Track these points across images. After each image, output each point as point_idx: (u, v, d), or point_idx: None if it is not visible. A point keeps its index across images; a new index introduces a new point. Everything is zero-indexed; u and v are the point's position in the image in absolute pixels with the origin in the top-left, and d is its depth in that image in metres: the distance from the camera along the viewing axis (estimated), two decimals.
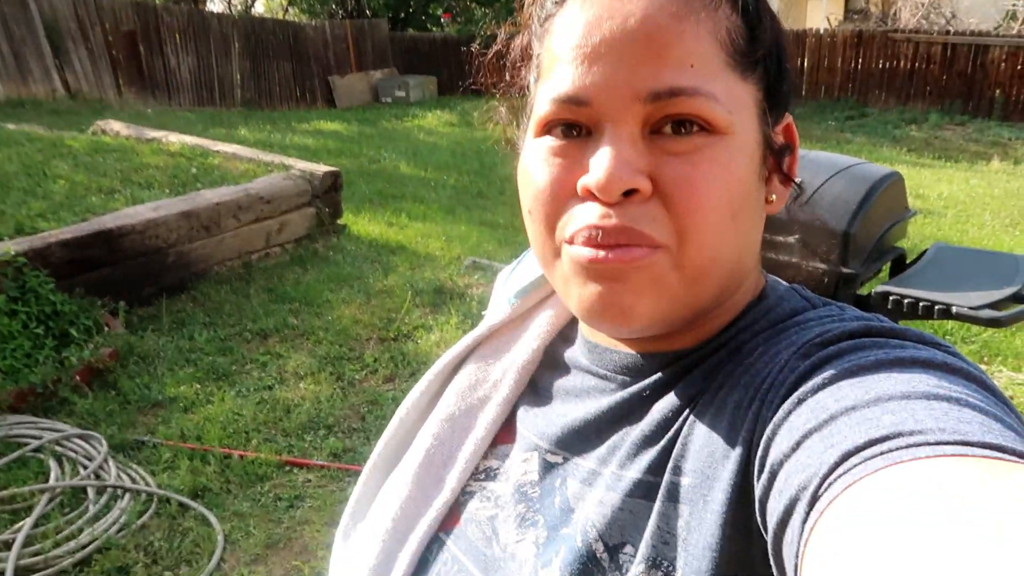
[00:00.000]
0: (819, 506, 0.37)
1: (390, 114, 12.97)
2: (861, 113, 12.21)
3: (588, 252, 0.50)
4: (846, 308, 0.54)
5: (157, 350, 3.81)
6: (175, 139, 6.14)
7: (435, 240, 5.76)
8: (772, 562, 0.42)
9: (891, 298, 2.21)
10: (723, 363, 0.54)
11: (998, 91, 11.33)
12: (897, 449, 0.36)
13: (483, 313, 0.80)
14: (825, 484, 0.38)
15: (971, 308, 2.04)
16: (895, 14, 14.50)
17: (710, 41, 0.49)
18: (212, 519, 2.65)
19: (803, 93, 12.99)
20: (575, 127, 0.52)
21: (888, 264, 2.49)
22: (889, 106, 12.27)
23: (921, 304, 2.14)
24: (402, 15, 17.38)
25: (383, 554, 0.64)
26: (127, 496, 2.74)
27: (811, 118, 12.05)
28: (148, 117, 9.20)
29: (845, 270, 2.19)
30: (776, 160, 0.56)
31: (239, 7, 17.92)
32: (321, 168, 5.52)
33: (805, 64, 13.00)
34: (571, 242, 0.52)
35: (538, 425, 0.63)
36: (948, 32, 12.20)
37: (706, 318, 0.56)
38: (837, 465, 0.38)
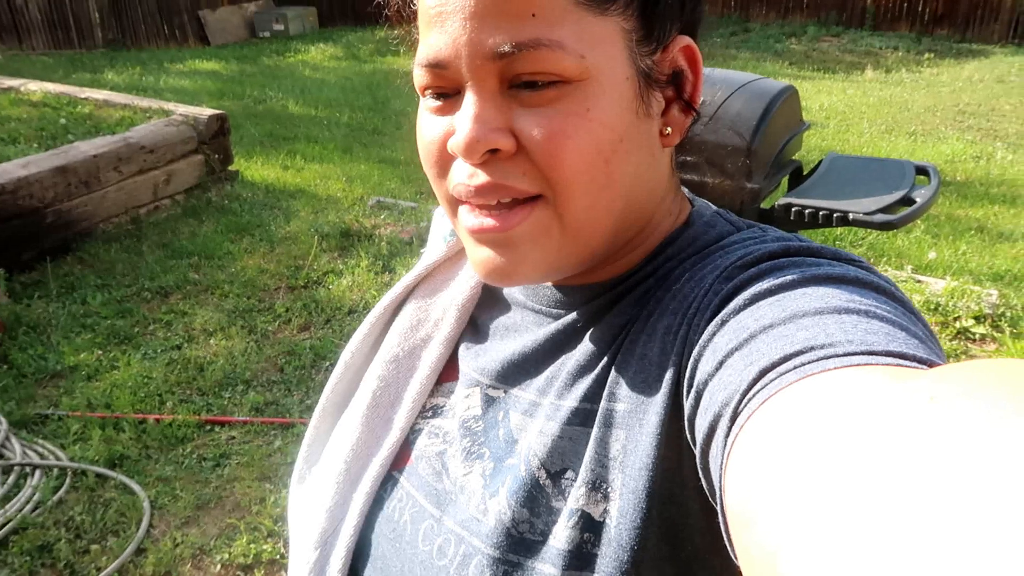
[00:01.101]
0: (740, 421, 0.39)
1: (270, 50, 12.27)
2: (744, 28, 12.47)
3: (471, 222, 0.53)
4: (768, 230, 0.57)
5: (48, 318, 3.58)
6: (35, 87, 5.62)
7: (335, 181, 5.59)
8: (701, 475, 0.45)
9: (793, 209, 2.31)
10: (652, 290, 0.56)
11: (868, 1, 11.79)
12: (809, 363, 0.39)
13: (421, 251, 0.80)
14: (744, 400, 0.40)
15: (866, 214, 2.17)
16: None
17: None
18: (135, 487, 2.57)
19: None
20: (445, 90, 0.52)
21: (787, 177, 2.60)
22: (770, 20, 12.57)
23: (821, 213, 2.26)
24: None
25: (338, 495, 0.66)
26: (37, 473, 2.61)
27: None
28: None
29: (749, 185, 2.27)
30: (674, 89, 0.55)
31: None
32: (206, 111, 5.21)
33: None
34: (459, 200, 0.54)
35: (479, 361, 0.65)
36: None
37: (626, 250, 0.58)
38: (755, 381, 0.40)
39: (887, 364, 0.37)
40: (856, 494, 0.28)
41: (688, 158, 2.49)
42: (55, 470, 2.63)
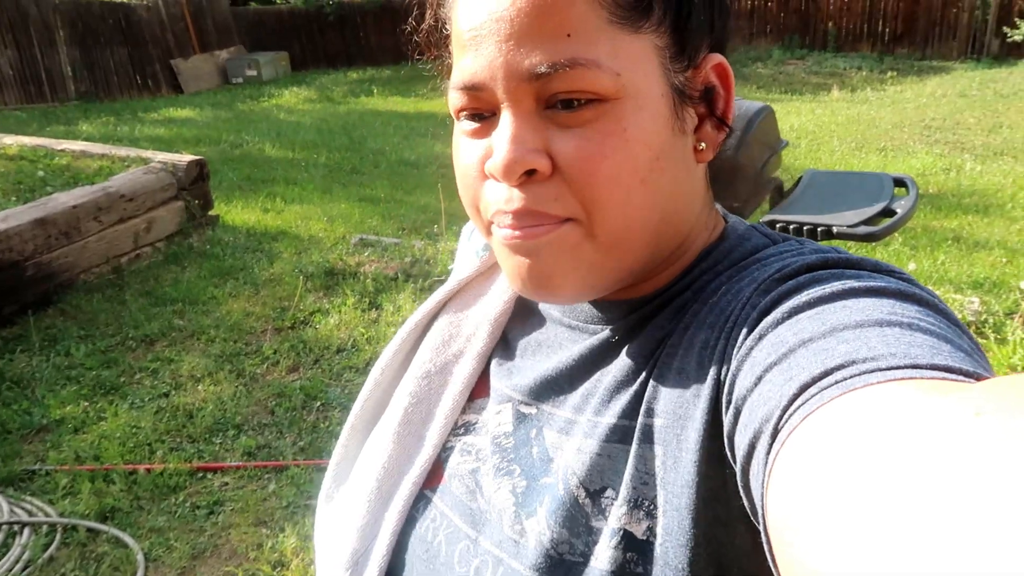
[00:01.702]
0: (781, 437, 0.38)
1: (244, 95, 12.34)
2: None
3: (505, 232, 0.53)
4: (805, 243, 0.56)
5: (31, 371, 3.52)
6: (10, 141, 5.59)
7: (316, 221, 5.59)
8: (743, 494, 0.44)
9: (777, 225, 2.36)
10: (689, 304, 0.55)
11: (830, 23, 12.12)
12: (851, 377, 0.38)
13: (450, 268, 0.80)
14: (785, 416, 0.39)
15: (849, 227, 2.21)
16: None
17: (586, 2, 0.48)
18: (128, 539, 2.51)
19: None
20: (481, 111, 0.53)
21: (769, 194, 2.65)
22: (736, 45, 12.86)
23: (805, 228, 2.30)
24: None
25: (370, 514, 0.65)
26: (26, 531, 2.54)
27: None
28: None
29: (733, 204, 2.31)
30: (706, 105, 0.55)
31: None
32: (185, 158, 5.20)
33: None
34: (494, 221, 0.54)
35: (512, 377, 0.64)
36: None
37: (664, 264, 0.58)
38: (796, 396, 0.39)
39: (932, 378, 0.36)
40: (898, 514, 0.28)
41: None
42: (44, 527, 2.57)
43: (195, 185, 5.17)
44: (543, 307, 0.67)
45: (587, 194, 0.50)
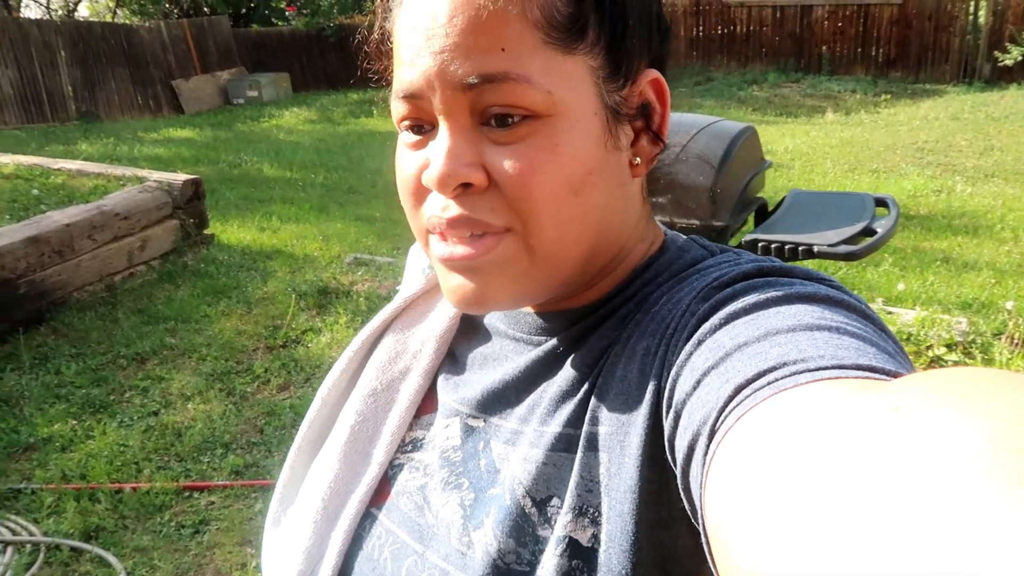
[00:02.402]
0: (717, 438, 0.40)
1: (244, 115, 12.42)
2: (707, 78, 12.86)
3: (442, 250, 0.54)
4: (742, 253, 0.58)
5: (20, 390, 3.52)
6: (7, 160, 5.63)
7: (312, 241, 5.61)
8: (683, 497, 0.45)
9: (760, 245, 2.38)
10: (632, 313, 0.57)
11: (824, 48, 12.24)
12: (782, 378, 0.39)
13: (397, 288, 0.81)
14: (721, 417, 0.41)
15: (830, 246, 2.23)
16: None
17: (520, 23, 0.49)
18: (111, 559, 2.49)
19: None
20: (421, 122, 0.54)
21: (753, 214, 2.67)
22: (731, 69, 12.98)
23: (787, 247, 2.33)
24: (243, 11, 16.61)
25: (316, 535, 0.65)
26: (9, 550, 2.53)
27: None
28: None
29: (716, 223, 2.34)
30: (644, 121, 0.56)
31: (60, 12, 16.55)
32: (180, 177, 5.23)
33: None
34: (431, 231, 0.56)
35: (459, 391, 0.65)
36: None
37: (600, 275, 0.59)
38: (731, 398, 0.41)
39: (857, 377, 0.38)
40: (821, 511, 0.29)
41: (654, 198, 2.55)
42: (28, 546, 2.56)
43: (190, 204, 5.19)
44: (488, 321, 0.67)
45: (522, 207, 0.51)
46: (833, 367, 0.39)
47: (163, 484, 2.85)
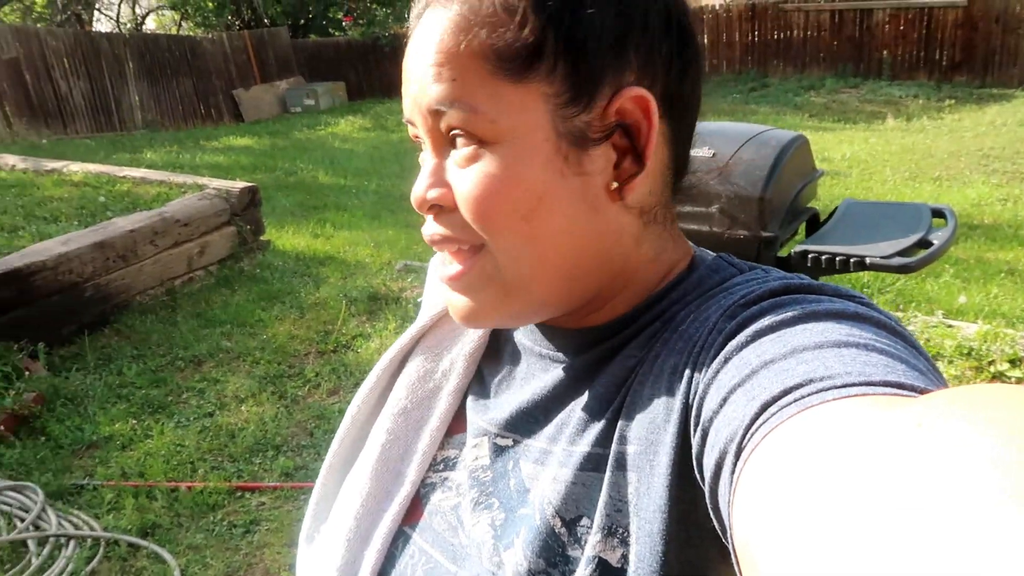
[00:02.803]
0: (744, 456, 0.40)
1: (301, 124, 12.71)
2: (763, 84, 12.65)
3: (443, 271, 0.60)
4: (770, 271, 0.58)
5: (85, 389, 3.66)
6: (77, 168, 5.88)
7: (363, 247, 5.70)
8: (712, 515, 0.45)
9: (810, 256, 2.33)
10: (659, 332, 0.57)
11: (885, 52, 11.92)
12: (809, 395, 0.39)
13: (419, 301, 0.81)
14: (748, 434, 0.41)
15: (883, 257, 2.17)
16: None
17: (471, 57, 0.52)
18: (166, 555, 2.58)
19: (706, 69, 13.35)
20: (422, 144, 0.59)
21: (803, 224, 2.62)
22: (788, 75, 12.74)
23: (838, 259, 2.27)
24: (302, 21, 17.02)
25: (349, 553, 0.65)
26: (71, 544, 2.64)
27: (716, 92, 12.41)
28: (44, 148, 8.78)
29: (765, 234, 2.30)
30: (627, 139, 0.55)
31: (128, 25, 17.21)
32: (238, 185, 5.39)
33: (705, 41, 13.38)
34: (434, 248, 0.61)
35: (487, 411, 0.65)
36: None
37: (605, 297, 0.60)
38: (758, 415, 0.41)
39: (884, 394, 0.38)
40: (845, 525, 0.29)
41: (703, 209, 2.53)
42: (89, 540, 2.66)
43: (247, 211, 5.34)
44: (516, 339, 0.68)
45: (476, 227, 0.55)
46: (860, 384, 0.39)
47: (216, 484, 2.93)
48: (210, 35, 14.29)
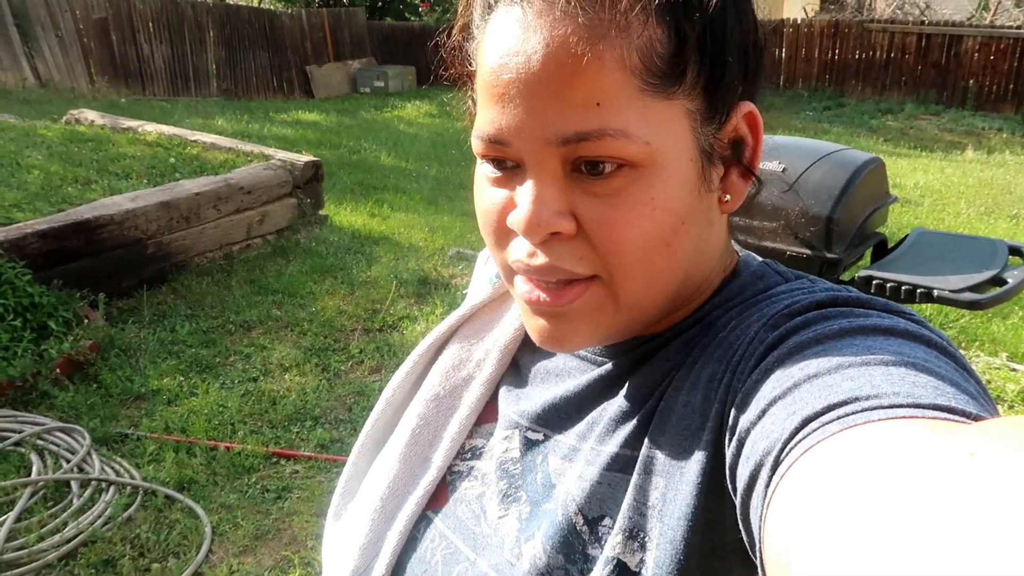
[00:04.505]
0: (781, 470, 0.38)
1: (369, 104, 12.87)
2: (838, 103, 12.33)
3: (528, 292, 0.53)
4: (817, 281, 0.56)
5: (138, 342, 3.77)
6: (151, 128, 6.05)
7: (418, 231, 5.75)
8: (741, 527, 0.44)
9: (874, 282, 2.25)
10: (698, 337, 0.55)
11: (971, 81, 11.48)
12: (853, 413, 0.38)
13: (465, 292, 0.82)
14: (787, 449, 0.39)
15: (952, 291, 2.08)
16: (870, 4, 14.64)
17: (618, 71, 0.46)
18: (199, 511, 2.64)
19: (780, 84, 13.08)
20: (505, 159, 0.52)
21: (870, 249, 2.53)
22: (865, 96, 12.38)
23: (903, 288, 2.19)
24: (379, 3, 17.22)
25: (372, 533, 0.66)
26: (112, 489, 2.72)
27: (789, 108, 12.14)
28: (122, 107, 9.07)
29: (828, 255, 2.23)
30: (734, 156, 0.54)
31: None
32: (302, 158, 5.48)
33: (782, 55, 13.09)
34: (516, 271, 0.54)
35: (520, 404, 0.65)
36: (923, 22, 12.33)
37: (678, 305, 0.58)
38: (798, 431, 0.39)
39: (934, 418, 0.36)
40: (891, 550, 0.28)
41: (765, 224, 2.47)
42: (128, 488, 2.74)
43: (309, 185, 5.42)
44: None
45: (611, 259, 0.50)
46: (909, 405, 0.37)
47: (254, 447, 2.99)
48: (289, 10, 14.54)
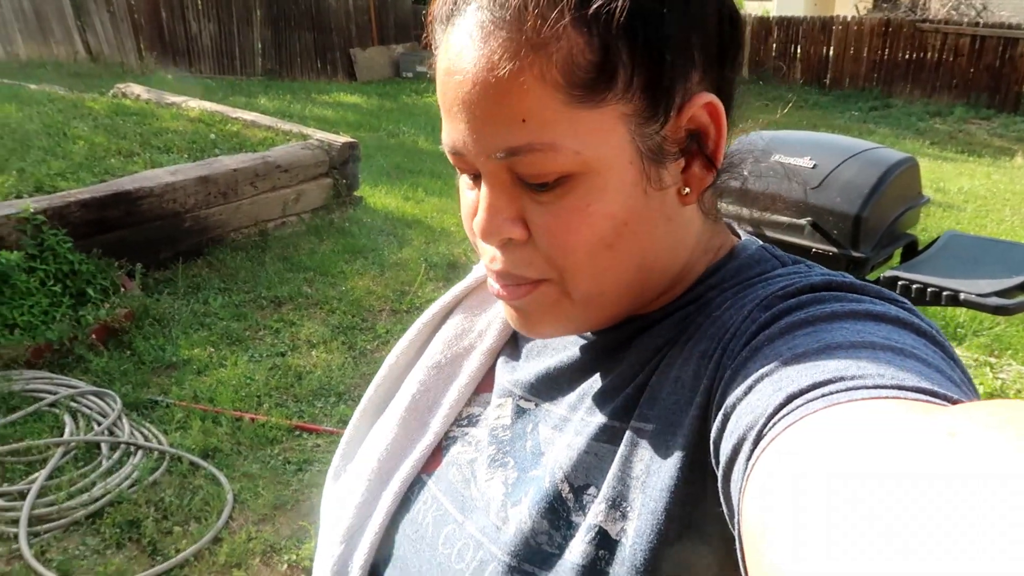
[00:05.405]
0: (763, 444, 0.39)
1: (410, 89, 12.92)
2: (885, 104, 12.05)
3: (492, 287, 0.58)
4: (814, 266, 0.57)
5: (172, 313, 3.86)
6: (195, 105, 6.17)
7: (451, 215, 5.78)
8: (722, 500, 0.44)
9: (899, 283, 2.22)
10: (692, 316, 0.56)
11: None
12: (837, 392, 0.39)
13: (473, 265, 0.83)
14: (770, 424, 0.40)
15: (979, 295, 2.04)
16: (924, 3, 14.25)
17: (539, 87, 0.47)
18: (222, 479, 2.71)
19: (827, 83, 12.83)
20: (470, 172, 0.55)
21: (900, 250, 2.49)
22: (914, 98, 12.09)
23: (929, 290, 2.15)
24: None
25: (368, 492, 0.68)
26: (139, 453, 2.80)
27: (834, 107, 11.91)
28: (168, 82, 9.23)
29: (855, 254, 2.20)
30: (696, 147, 0.53)
31: None
32: (339, 139, 5.53)
33: (830, 53, 12.83)
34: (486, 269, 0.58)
35: (515, 373, 0.67)
36: (978, 24, 11.98)
37: (663, 293, 0.59)
38: (782, 406, 0.40)
39: (915, 399, 0.37)
40: (868, 526, 0.29)
41: (792, 220, 2.44)
42: (155, 453, 2.82)
43: (345, 165, 5.48)
44: None
45: (557, 262, 0.53)
46: (892, 387, 0.38)
47: (278, 420, 3.05)
48: None
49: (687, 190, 0.54)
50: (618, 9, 0.46)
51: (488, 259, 0.56)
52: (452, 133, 0.52)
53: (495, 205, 0.52)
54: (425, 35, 0.55)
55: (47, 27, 9.91)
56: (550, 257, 0.53)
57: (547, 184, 0.50)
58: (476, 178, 0.55)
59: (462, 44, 0.49)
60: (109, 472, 2.70)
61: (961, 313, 3.92)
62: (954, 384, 0.41)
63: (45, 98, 5.84)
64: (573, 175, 0.50)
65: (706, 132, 0.53)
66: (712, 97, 0.52)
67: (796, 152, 2.01)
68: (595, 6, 0.46)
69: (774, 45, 13.25)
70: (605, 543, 0.51)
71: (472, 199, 0.56)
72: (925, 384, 0.39)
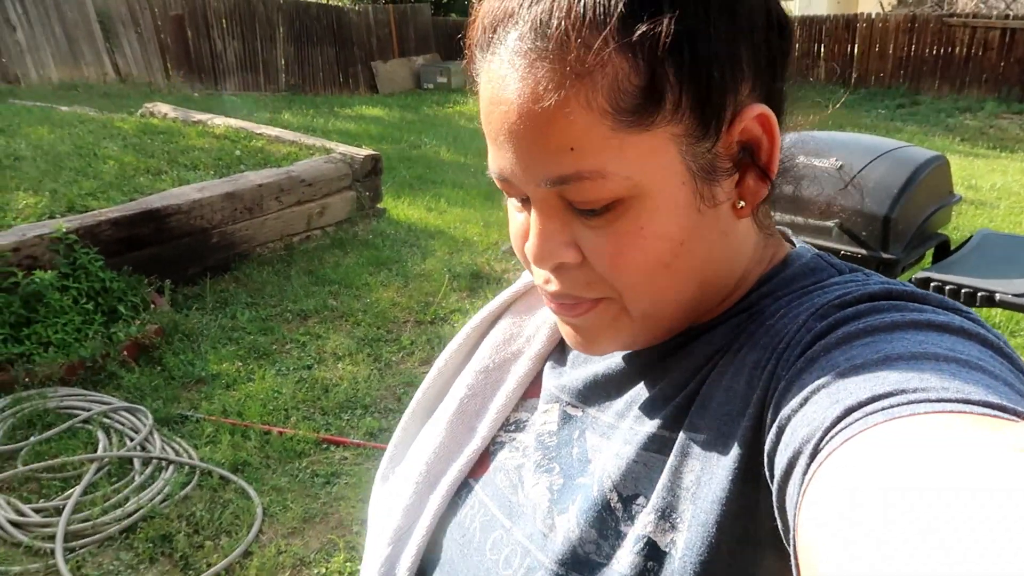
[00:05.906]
0: (819, 458, 0.38)
1: (432, 100, 13.01)
2: (913, 101, 11.88)
3: (549, 304, 0.58)
4: (872, 275, 0.55)
5: (201, 328, 3.91)
6: (220, 122, 6.25)
7: (473, 225, 5.79)
8: (777, 515, 0.43)
9: (932, 284, 2.17)
10: (744, 324, 0.55)
11: None
12: (898, 405, 0.37)
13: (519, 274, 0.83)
14: (827, 437, 0.39)
15: (1015, 295, 1.99)
16: None
17: (585, 114, 0.46)
18: (252, 492, 2.72)
19: (852, 81, 12.68)
20: (518, 195, 0.55)
21: (931, 251, 2.44)
22: (943, 94, 11.90)
23: (963, 291, 2.10)
24: (444, 0, 17.37)
25: (415, 496, 0.68)
26: (171, 468, 2.83)
27: (860, 106, 11.76)
28: (195, 100, 9.39)
29: (885, 255, 2.16)
30: (749, 160, 0.52)
31: None
32: (362, 152, 5.58)
33: (855, 50, 12.68)
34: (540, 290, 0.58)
35: (562, 379, 0.67)
36: (1007, 16, 11.76)
37: (715, 302, 0.58)
38: (840, 419, 0.39)
39: (982, 414, 0.35)
40: (922, 540, 0.28)
41: (820, 222, 2.40)
42: (186, 467, 2.85)
43: (368, 178, 5.52)
44: None
45: (615, 283, 0.53)
46: (958, 400, 0.36)
47: (306, 433, 3.07)
48: (356, 7, 14.80)
49: (742, 203, 0.54)
50: (663, 32, 0.45)
51: (542, 280, 0.55)
52: (499, 161, 0.52)
53: (546, 231, 0.52)
54: (464, 60, 0.55)
55: (78, 50, 10.13)
56: (607, 278, 0.53)
57: (597, 210, 0.50)
58: (525, 201, 0.55)
59: (504, 73, 0.48)
60: (142, 487, 2.73)
61: (996, 314, 3.84)
62: (1021, 396, 0.39)
63: (76, 120, 5.96)
64: (624, 199, 0.49)
65: (758, 144, 0.52)
66: (763, 108, 0.51)
67: (821, 153, 1.98)
68: (640, 32, 0.45)
69: (797, 45, 13.12)
70: (654, 554, 0.51)
71: (522, 221, 0.56)
72: (992, 398, 0.37)
